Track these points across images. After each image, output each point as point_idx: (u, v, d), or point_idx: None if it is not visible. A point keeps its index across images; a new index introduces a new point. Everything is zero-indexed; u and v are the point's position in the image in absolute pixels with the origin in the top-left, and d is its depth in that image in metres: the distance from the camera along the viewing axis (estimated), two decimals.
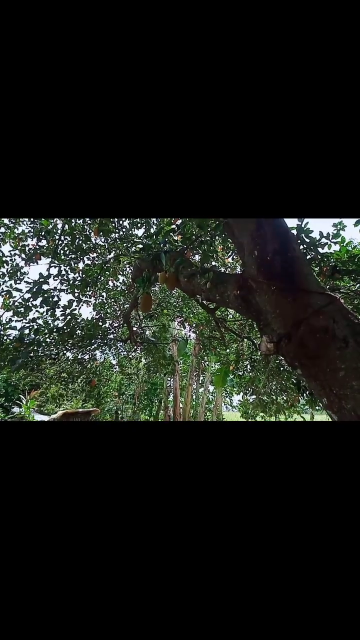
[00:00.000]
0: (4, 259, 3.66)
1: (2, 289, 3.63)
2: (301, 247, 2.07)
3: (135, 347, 4.82)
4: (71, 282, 3.54)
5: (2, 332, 3.24)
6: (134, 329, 4.46)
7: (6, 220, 3.75)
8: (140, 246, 2.39)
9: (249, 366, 4.38)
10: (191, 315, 4.83)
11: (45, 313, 3.26)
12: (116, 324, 4.91)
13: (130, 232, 3.53)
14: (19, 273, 3.72)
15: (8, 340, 3.21)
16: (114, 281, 4.95)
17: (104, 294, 4.94)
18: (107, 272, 4.14)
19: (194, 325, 4.75)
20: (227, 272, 4.53)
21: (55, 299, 3.35)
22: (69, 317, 3.32)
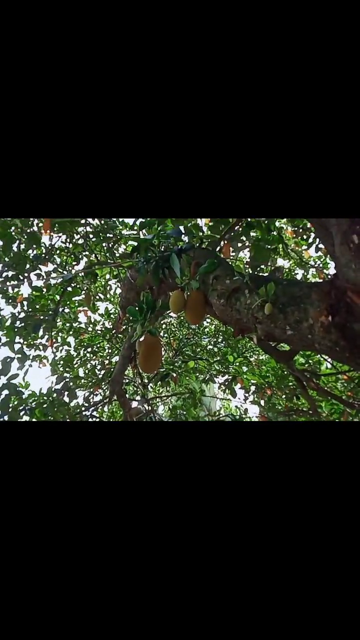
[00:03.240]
0: None
1: None
2: None
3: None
4: (6, 322, 3.65)
5: None
6: (134, 404, 3.82)
7: None
8: (134, 244, 2.42)
9: None
10: (245, 368, 4.13)
11: None
12: (97, 397, 4.21)
13: (111, 222, 3.40)
14: None
15: None
16: (89, 314, 4.27)
17: (70, 339, 4.19)
18: (73, 300, 3.67)
19: (254, 388, 4.03)
20: (303, 279, 3.70)
21: None
22: (5, 391, 3.44)
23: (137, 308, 2.15)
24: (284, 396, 3.75)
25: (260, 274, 2.24)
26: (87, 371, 4.41)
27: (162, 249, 2.17)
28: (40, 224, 3.45)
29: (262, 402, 3.94)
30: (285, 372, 3.53)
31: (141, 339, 2.30)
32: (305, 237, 3.29)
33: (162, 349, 2.53)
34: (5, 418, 3.28)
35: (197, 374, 4.37)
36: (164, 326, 4.74)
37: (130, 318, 2.45)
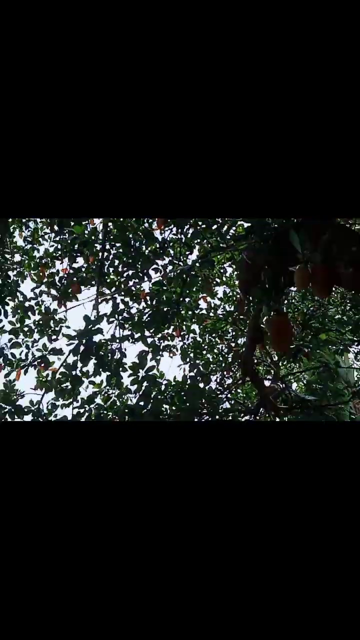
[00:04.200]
0: (27, 304, 4.19)
1: (33, 354, 4.10)
2: None
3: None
4: (136, 318, 3.89)
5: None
6: (268, 383, 3.87)
7: (20, 241, 4.28)
8: (247, 225, 2.44)
9: None
10: None
11: (105, 384, 3.54)
12: (229, 381, 4.44)
13: None
14: (52, 322, 4.23)
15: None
16: (208, 299, 4.41)
17: (194, 327, 4.27)
18: (193, 288, 3.91)
19: None
20: None
21: (118, 355, 3.65)
22: (146, 383, 3.57)
23: (260, 290, 2.17)
24: None
25: None
26: (215, 356, 4.54)
27: (277, 226, 2.17)
28: (151, 221, 3.65)
29: None
30: None
31: (267, 319, 2.32)
32: None
33: (290, 326, 2.54)
34: (149, 407, 3.53)
35: (330, 346, 4.27)
36: (286, 302, 4.72)
37: (251, 299, 2.48)
